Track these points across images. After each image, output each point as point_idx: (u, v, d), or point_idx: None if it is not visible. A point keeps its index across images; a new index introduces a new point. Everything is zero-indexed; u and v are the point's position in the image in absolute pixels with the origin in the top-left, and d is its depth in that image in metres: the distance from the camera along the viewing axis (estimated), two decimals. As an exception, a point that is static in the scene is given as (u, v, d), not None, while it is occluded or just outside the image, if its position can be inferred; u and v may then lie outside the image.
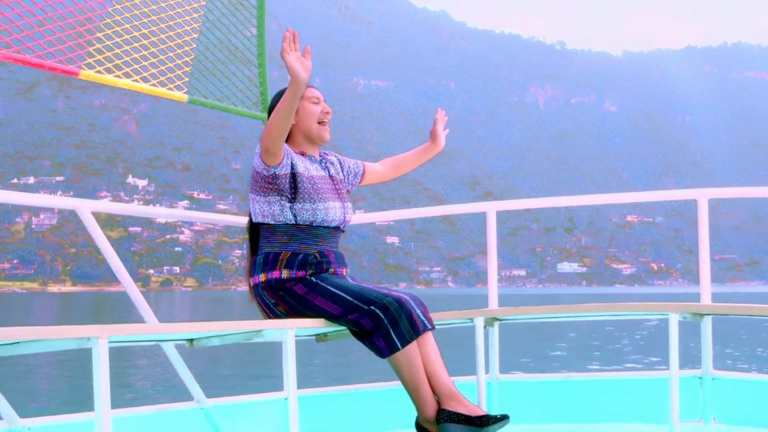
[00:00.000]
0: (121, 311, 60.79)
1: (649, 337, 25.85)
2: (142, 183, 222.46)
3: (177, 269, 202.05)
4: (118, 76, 3.80)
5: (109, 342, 2.84)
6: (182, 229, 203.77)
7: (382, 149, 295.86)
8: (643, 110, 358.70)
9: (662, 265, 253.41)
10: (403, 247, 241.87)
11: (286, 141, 3.90)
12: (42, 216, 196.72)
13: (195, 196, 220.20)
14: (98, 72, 3.73)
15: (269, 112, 3.95)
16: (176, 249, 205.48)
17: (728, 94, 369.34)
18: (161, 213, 4.41)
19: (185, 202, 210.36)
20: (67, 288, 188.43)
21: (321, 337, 4.08)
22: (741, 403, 4.37)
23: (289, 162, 3.79)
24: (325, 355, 19.75)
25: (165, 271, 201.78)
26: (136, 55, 3.90)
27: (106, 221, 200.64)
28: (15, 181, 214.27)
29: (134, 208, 4.14)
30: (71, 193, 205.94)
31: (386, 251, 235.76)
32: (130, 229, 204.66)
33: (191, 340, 3.66)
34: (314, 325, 3.70)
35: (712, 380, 4.43)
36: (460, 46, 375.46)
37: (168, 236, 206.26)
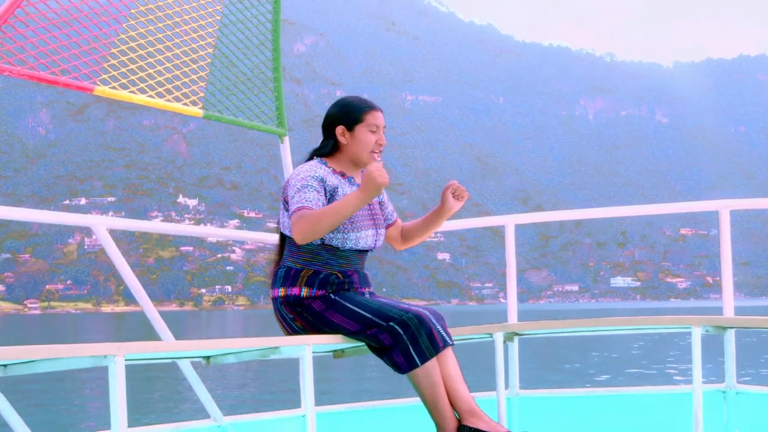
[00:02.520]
0: (172, 330, 60.42)
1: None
2: (192, 202, 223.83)
3: (229, 288, 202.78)
4: (133, 92, 3.84)
5: (126, 360, 2.83)
6: (233, 248, 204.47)
7: (430, 164, 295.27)
8: (695, 122, 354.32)
9: (718, 278, 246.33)
10: (454, 263, 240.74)
11: (331, 156, 3.92)
12: (94, 236, 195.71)
13: (245, 215, 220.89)
14: (113, 88, 3.75)
15: (325, 127, 3.94)
16: (228, 268, 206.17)
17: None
18: (179, 230, 4.32)
19: (236, 221, 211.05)
20: (121, 308, 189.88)
21: (338, 354, 4.09)
22: (766, 417, 4.30)
23: (324, 199, 3.76)
24: (343, 372, 19.59)
25: (217, 290, 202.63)
26: (151, 71, 3.92)
27: (158, 241, 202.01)
28: (67, 202, 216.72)
29: (150, 225, 4.17)
30: (122, 213, 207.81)
31: (437, 267, 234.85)
32: (182, 248, 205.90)
33: (208, 358, 3.68)
34: (332, 342, 3.69)
35: (736, 394, 4.34)
36: (508, 60, 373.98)
37: (219, 255, 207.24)
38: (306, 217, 3.61)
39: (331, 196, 3.75)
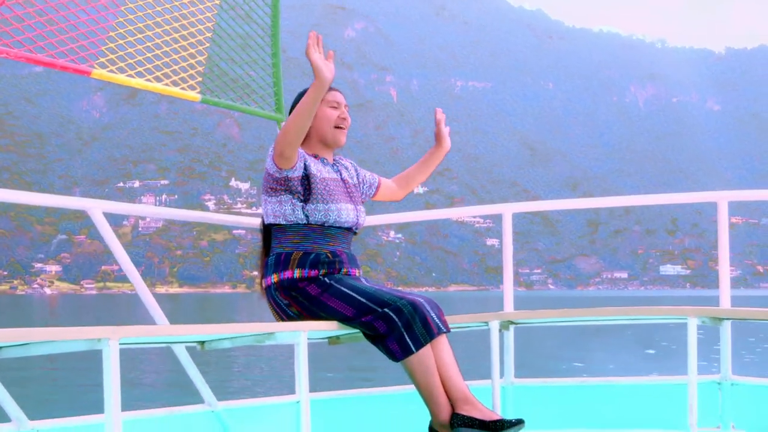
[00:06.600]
0: (223, 311, 62.22)
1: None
2: (244, 186, 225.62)
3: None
4: (130, 75, 3.80)
5: (120, 344, 2.81)
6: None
7: (480, 151, 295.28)
8: (748, 109, 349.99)
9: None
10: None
11: (301, 143, 3.87)
12: (148, 219, 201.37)
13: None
14: (111, 71, 3.72)
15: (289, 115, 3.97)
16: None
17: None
18: (175, 214, 4.44)
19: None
20: (174, 290, 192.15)
21: (333, 340, 4.07)
22: (761, 409, 4.32)
23: (302, 164, 3.80)
24: (338, 358, 19.42)
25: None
26: (149, 55, 3.92)
27: (211, 224, 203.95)
28: (121, 185, 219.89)
29: (147, 209, 4.20)
30: (176, 196, 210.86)
31: (486, 253, 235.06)
32: (234, 231, 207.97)
33: (202, 343, 3.64)
34: (327, 328, 3.66)
35: (731, 386, 4.36)
36: (557, 46, 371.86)
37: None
38: (277, 136, 3.78)
39: (306, 168, 3.84)
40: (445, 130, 4.31)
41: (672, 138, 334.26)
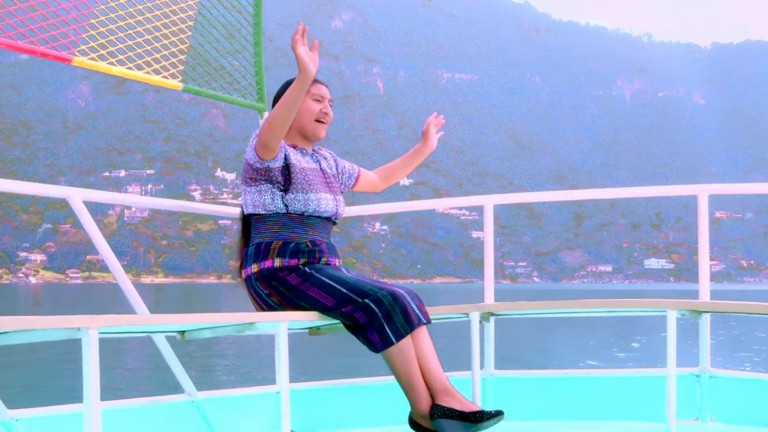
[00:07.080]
0: (208, 301, 62.32)
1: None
2: (230, 176, 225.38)
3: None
4: (111, 63, 3.78)
5: (100, 333, 2.78)
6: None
7: (466, 143, 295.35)
8: (734, 104, 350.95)
9: (752, 262, 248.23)
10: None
11: None
12: (133, 209, 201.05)
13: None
14: (92, 59, 3.70)
15: (274, 104, 3.96)
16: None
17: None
18: (157, 203, 4.44)
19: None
20: (160, 279, 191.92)
21: (314, 331, 4.06)
22: (738, 401, 4.37)
23: (282, 155, 3.79)
24: (319, 349, 19.40)
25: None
26: (130, 42, 3.90)
27: (197, 215, 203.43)
28: (107, 174, 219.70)
29: (128, 198, 4.15)
30: (161, 186, 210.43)
31: (472, 246, 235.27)
32: (220, 222, 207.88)
33: (182, 332, 3.63)
34: (307, 318, 3.66)
35: (709, 378, 4.41)
36: (544, 39, 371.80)
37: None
38: (261, 127, 3.77)
39: (286, 158, 3.82)
40: (434, 132, 4.38)
41: (658, 132, 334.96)
